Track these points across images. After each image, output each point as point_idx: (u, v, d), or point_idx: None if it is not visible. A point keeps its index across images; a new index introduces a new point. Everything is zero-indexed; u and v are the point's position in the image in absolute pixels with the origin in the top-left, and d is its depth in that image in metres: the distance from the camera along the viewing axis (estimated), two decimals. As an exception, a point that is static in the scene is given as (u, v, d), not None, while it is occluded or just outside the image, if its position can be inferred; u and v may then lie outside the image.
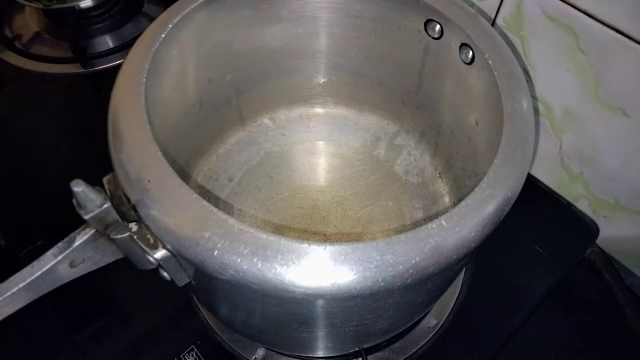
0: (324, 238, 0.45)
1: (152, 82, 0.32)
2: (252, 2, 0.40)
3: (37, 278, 0.29)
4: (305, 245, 0.25)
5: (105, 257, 0.30)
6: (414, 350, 0.43)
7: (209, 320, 0.43)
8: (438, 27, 0.38)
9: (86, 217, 0.27)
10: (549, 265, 0.47)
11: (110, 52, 0.62)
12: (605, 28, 0.39)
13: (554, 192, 0.52)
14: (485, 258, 0.47)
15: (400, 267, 0.25)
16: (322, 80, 0.49)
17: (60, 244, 0.29)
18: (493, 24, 0.47)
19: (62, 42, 0.63)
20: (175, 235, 0.26)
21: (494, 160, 0.29)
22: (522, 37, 0.46)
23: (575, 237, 0.50)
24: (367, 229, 0.45)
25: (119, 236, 0.28)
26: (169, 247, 0.27)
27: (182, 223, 0.26)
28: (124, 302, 0.45)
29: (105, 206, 0.27)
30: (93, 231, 0.28)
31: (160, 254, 0.27)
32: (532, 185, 0.53)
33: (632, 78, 0.40)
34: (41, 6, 0.62)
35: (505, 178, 0.29)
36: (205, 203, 0.26)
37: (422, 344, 0.43)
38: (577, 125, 0.46)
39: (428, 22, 0.39)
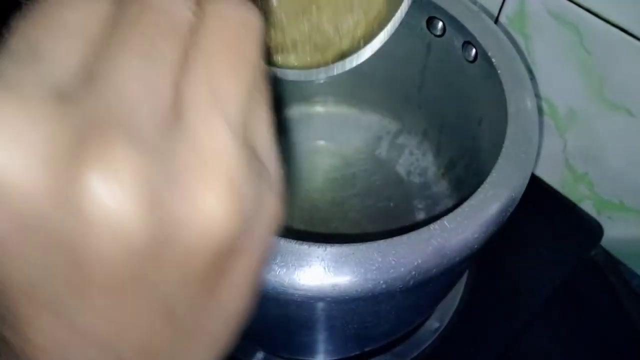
0: (324, 239, 0.44)
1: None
2: (251, -1, 0.40)
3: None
4: (305, 247, 0.25)
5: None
6: (416, 354, 0.42)
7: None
8: (440, 24, 0.38)
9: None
10: (552, 266, 0.47)
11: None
12: (609, 26, 0.39)
13: (558, 192, 0.52)
14: (488, 259, 0.46)
15: (402, 269, 0.25)
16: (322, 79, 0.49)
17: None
18: (496, 21, 0.47)
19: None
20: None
21: (497, 160, 0.29)
22: (525, 35, 0.45)
23: (579, 237, 0.49)
24: (367, 229, 0.45)
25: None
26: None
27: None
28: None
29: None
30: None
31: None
32: (535, 185, 0.52)
33: (636, 77, 0.40)
34: None
35: (509, 178, 0.29)
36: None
37: (424, 346, 0.43)
38: (581, 124, 0.46)
39: (430, 20, 0.39)
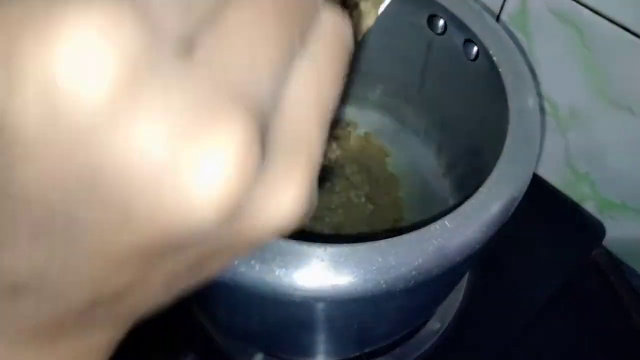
0: (324, 239, 0.44)
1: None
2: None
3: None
4: (305, 247, 0.24)
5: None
6: (417, 355, 0.42)
7: (207, 325, 0.43)
8: (441, 22, 0.38)
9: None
10: (554, 266, 0.47)
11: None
12: (611, 25, 0.39)
13: (560, 192, 0.52)
14: (490, 259, 0.46)
15: (403, 269, 0.24)
16: (323, 79, 0.49)
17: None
18: (497, 20, 0.47)
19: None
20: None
21: (499, 160, 0.29)
22: (527, 34, 0.45)
23: (581, 238, 0.49)
24: (368, 229, 0.45)
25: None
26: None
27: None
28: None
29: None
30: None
31: (155, 255, 0.27)
32: (537, 185, 0.52)
33: (639, 76, 0.40)
34: None
35: (511, 178, 0.29)
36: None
37: (425, 348, 0.42)
38: (583, 124, 0.46)
39: (431, 18, 0.38)
